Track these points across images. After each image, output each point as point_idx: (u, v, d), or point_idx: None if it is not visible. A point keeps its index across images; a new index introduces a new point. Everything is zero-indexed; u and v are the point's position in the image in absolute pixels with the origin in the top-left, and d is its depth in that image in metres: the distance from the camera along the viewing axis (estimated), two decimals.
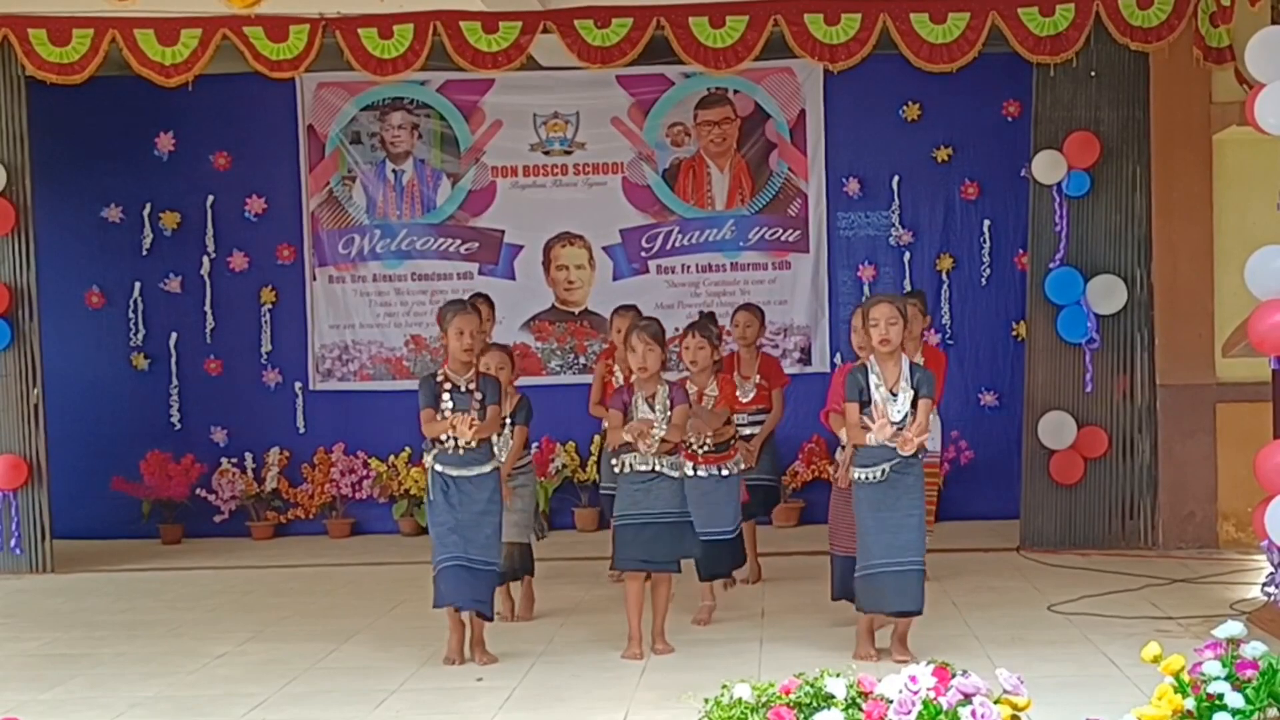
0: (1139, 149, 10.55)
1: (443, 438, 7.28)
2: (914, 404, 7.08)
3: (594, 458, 11.74)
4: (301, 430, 12.55)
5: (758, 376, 9.36)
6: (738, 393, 8.97)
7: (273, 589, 10.01)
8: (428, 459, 7.37)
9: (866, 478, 7.10)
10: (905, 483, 7.07)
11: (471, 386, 7.36)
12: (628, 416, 7.43)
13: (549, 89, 12.29)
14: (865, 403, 7.13)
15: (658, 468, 7.39)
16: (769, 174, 12.38)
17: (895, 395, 7.07)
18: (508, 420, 8.24)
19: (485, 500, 7.36)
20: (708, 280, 12.41)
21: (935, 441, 8.97)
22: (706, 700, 5.00)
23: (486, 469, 7.38)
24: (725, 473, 8.28)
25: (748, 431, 9.15)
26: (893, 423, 7.04)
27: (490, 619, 7.53)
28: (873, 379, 7.12)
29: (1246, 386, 9.97)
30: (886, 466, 7.05)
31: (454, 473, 7.30)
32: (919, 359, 8.06)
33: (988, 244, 12.20)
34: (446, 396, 7.29)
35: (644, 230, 12.44)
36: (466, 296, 8.84)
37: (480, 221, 12.52)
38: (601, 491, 9.64)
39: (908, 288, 12.11)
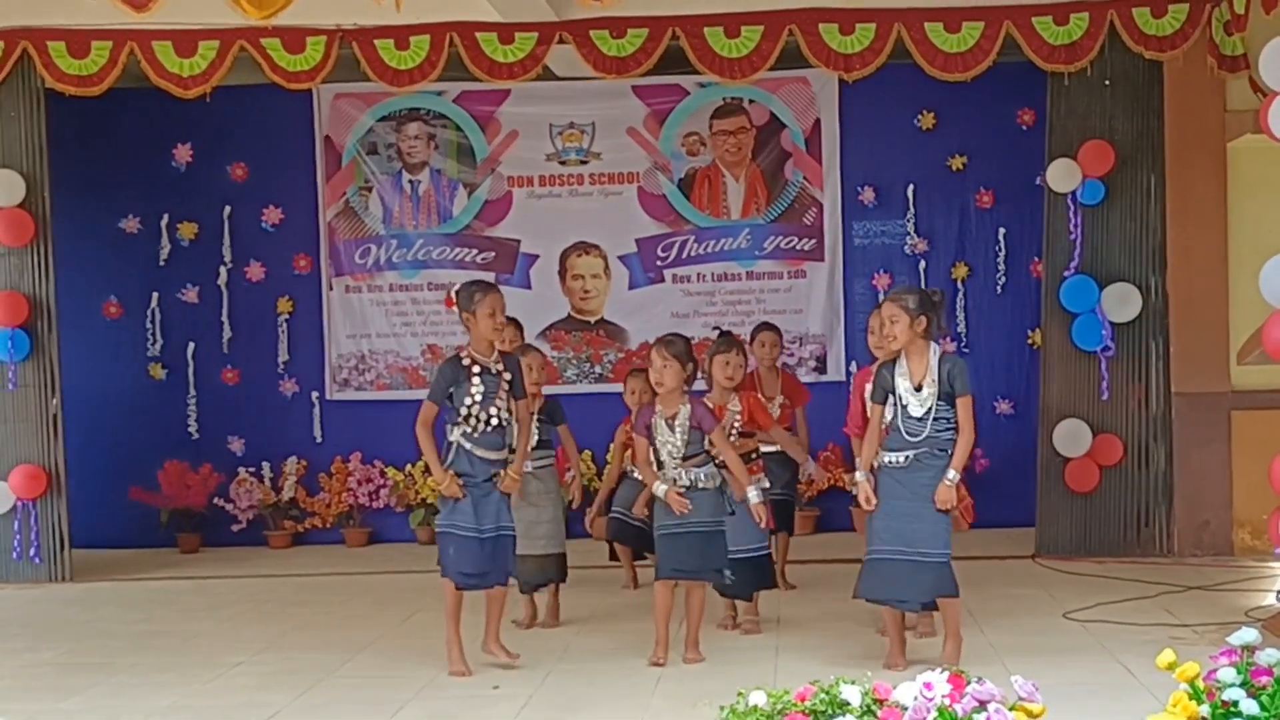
0: (1154, 157, 10.55)
1: (465, 413, 7.29)
2: (942, 397, 6.99)
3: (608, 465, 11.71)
4: (318, 440, 12.58)
5: (781, 396, 9.34)
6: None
7: (290, 598, 10.04)
8: (454, 434, 7.37)
9: (891, 462, 7.08)
10: (927, 474, 7.02)
11: (499, 368, 7.39)
12: (651, 438, 7.46)
13: (565, 99, 12.32)
14: (891, 394, 7.11)
15: (691, 480, 7.42)
16: (784, 183, 12.40)
17: (919, 389, 7.04)
18: (536, 419, 8.30)
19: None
20: (723, 289, 12.42)
21: None
22: (722, 707, 5.01)
23: (504, 454, 7.41)
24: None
25: (773, 449, 9.11)
26: (914, 418, 7.02)
27: (504, 585, 7.49)
28: (899, 373, 7.09)
29: (1261, 394, 9.97)
30: (912, 453, 7.03)
31: (479, 452, 7.33)
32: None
33: (1003, 252, 12.21)
34: (476, 380, 7.29)
35: (660, 239, 12.46)
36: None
37: (496, 231, 12.55)
38: (611, 515, 9.58)
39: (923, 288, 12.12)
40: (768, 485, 8.28)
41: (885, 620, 7.31)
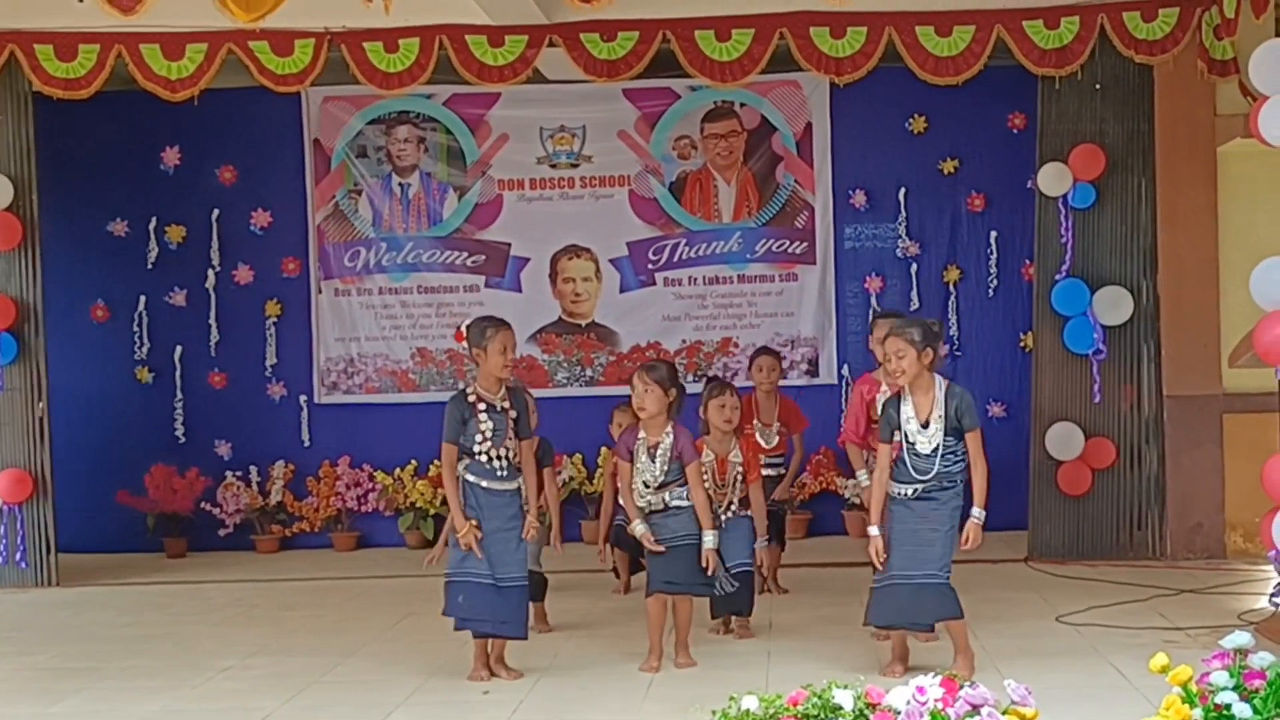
0: (1144, 161, 10.57)
1: (475, 450, 7.24)
2: (950, 433, 6.95)
3: (600, 470, 11.70)
4: (306, 443, 12.54)
5: (778, 423, 9.27)
6: (760, 439, 8.93)
7: (278, 602, 10.00)
8: (459, 468, 7.29)
9: (899, 494, 7.05)
10: (934, 502, 6.99)
11: (506, 405, 7.33)
12: (633, 462, 7.44)
13: (555, 102, 12.30)
14: (898, 430, 7.05)
15: (669, 503, 7.43)
16: (775, 186, 12.38)
17: (926, 426, 6.99)
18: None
19: (510, 516, 7.30)
20: (714, 293, 12.40)
21: None
22: (714, 712, 5.00)
23: (514, 485, 7.34)
24: (745, 512, 8.18)
25: (769, 472, 9.01)
26: (922, 455, 6.97)
27: (524, 638, 7.44)
28: (905, 409, 7.02)
29: (1253, 397, 9.96)
30: (920, 485, 7.01)
31: (484, 484, 7.25)
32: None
33: (994, 255, 12.20)
34: (483, 416, 7.22)
35: (651, 243, 12.43)
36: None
37: (487, 234, 12.52)
38: (614, 523, 9.52)
39: (915, 301, 12.12)
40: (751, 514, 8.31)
41: (893, 634, 7.28)
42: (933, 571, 6.97)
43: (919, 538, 6.98)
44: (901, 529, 7.05)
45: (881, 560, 7.06)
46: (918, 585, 6.98)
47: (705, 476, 7.74)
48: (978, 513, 7.04)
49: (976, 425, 7.04)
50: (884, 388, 7.81)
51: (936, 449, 6.98)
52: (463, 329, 7.41)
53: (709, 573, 7.47)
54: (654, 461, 7.40)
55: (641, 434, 7.44)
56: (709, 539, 7.42)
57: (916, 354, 6.95)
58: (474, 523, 7.20)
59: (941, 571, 7.00)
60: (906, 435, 7.02)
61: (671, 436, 7.42)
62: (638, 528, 7.43)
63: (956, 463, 7.01)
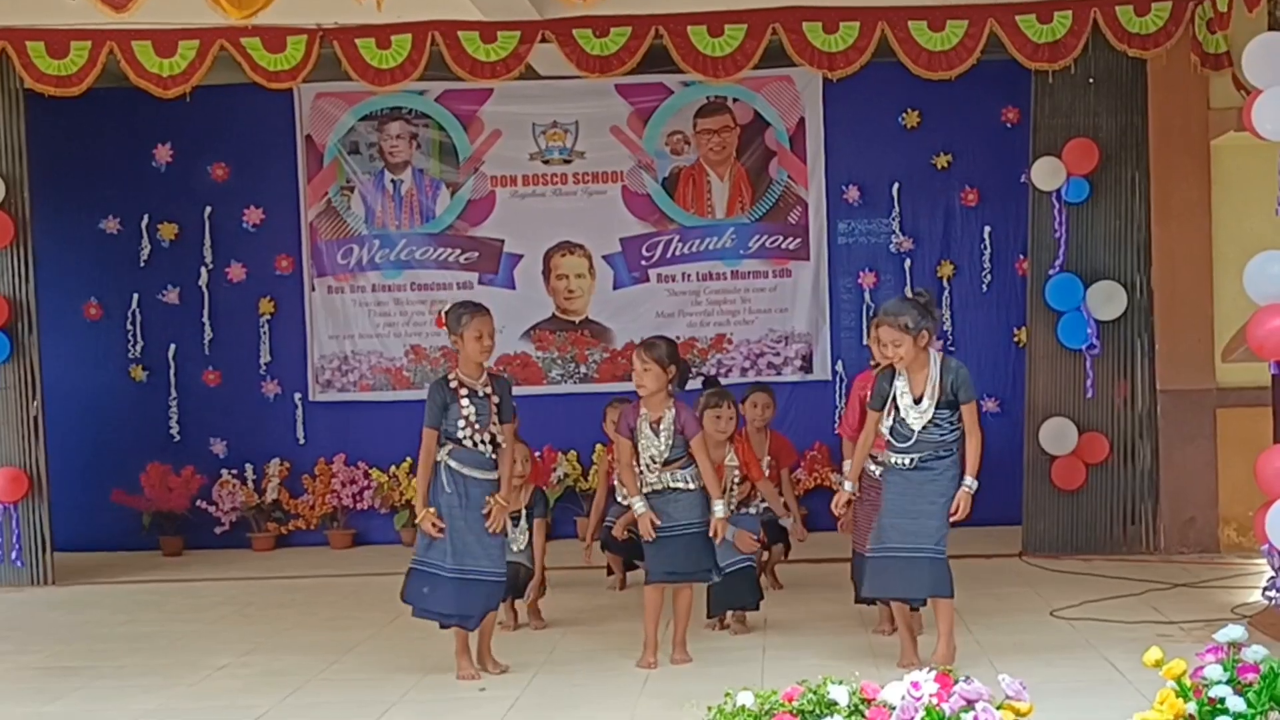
0: (1137, 155, 10.57)
1: (460, 436, 7.24)
2: (943, 405, 7.00)
3: (594, 469, 11.71)
4: (301, 441, 12.53)
5: (769, 458, 9.26)
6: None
7: (274, 600, 10.00)
8: (441, 453, 7.30)
9: (897, 463, 7.08)
10: (933, 472, 7.03)
11: (488, 390, 7.34)
12: (634, 440, 7.42)
13: (548, 98, 12.28)
14: (890, 403, 7.10)
15: (671, 484, 7.40)
16: (769, 182, 12.37)
17: (919, 401, 7.03)
18: (523, 513, 8.27)
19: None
20: (708, 289, 12.39)
21: None
22: (710, 708, 5.00)
23: (494, 475, 7.35)
24: (749, 510, 8.30)
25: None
26: (911, 429, 7.01)
27: (469, 629, 7.36)
28: (899, 384, 7.07)
29: (1246, 391, 9.97)
30: (916, 455, 7.03)
31: (466, 471, 7.26)
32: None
33: (988, 250, 12.20)
34: (465, 401, 7.23)
35: (644, 239, 12.43)
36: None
37: (480, 231, 12.50)
38: (606, 523, 9.50)
39: (909, 296, 12.11)
40: (754, 512, 8.41)
41: (897, 620, 7.30)
42: (928, 546, 7.01)
43: (914, 509, 7.02)
44: (896, 499, 7.08)
45: (842, 517, 7.33)
46: (910, 559, 7.00)
47: None
48: (970, 482, 7.06)
49: (973, 398, 7.11)
50: None
51: (928, 424, 7.02)
52: (442, 315, 7.44)
53: (717, 540, 7.43)
54: (658, 436, 7.38)
55: (644, 410, 7.43)
56: (719, 507, 7.37)
57: (912, 340, 6.99)
58: (432, 510, 7.22)
59: (937, 546, 7.03)
60: (900, 410, 7.06)
61: (674, 411, 7.41)
62: (636, 505, 7.38)
63: (952, 431, 7.06)
